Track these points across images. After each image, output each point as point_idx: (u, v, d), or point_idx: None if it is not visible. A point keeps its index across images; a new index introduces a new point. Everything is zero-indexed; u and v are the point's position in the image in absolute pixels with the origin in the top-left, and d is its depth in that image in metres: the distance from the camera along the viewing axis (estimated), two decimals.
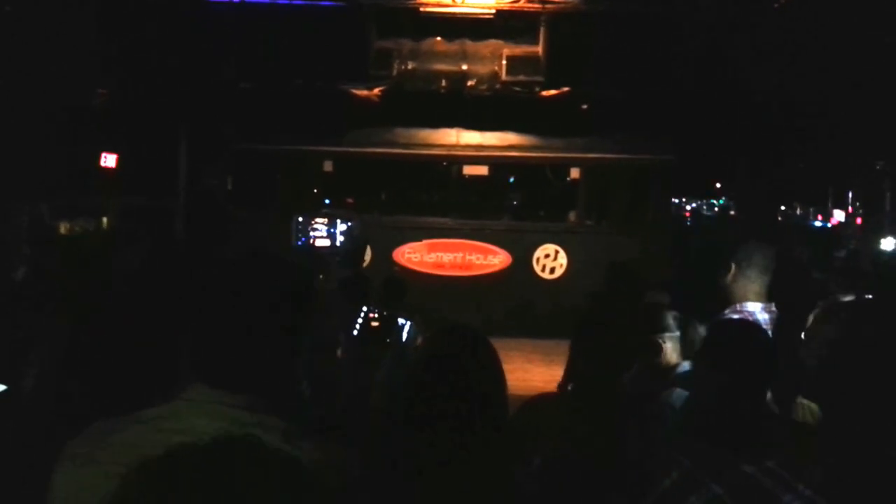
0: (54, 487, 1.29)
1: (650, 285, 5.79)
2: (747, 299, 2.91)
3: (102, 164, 9.37)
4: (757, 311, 2.88)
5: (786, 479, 0.96)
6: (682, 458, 1.06)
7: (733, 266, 2.96)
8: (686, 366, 3.12)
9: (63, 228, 8.47)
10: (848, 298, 3.46)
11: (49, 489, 1.29)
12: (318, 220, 7.68)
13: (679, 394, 2.86)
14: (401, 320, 4.68)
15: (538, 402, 2.61)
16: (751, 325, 2.53)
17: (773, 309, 2.93)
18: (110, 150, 9.39)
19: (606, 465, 2.20)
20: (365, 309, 4.37)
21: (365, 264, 9.50)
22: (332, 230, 7.64)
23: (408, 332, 4.69)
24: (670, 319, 3.33)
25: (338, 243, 7.58)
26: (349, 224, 7.64)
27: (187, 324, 1.40)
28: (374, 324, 4.31)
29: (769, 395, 2.38)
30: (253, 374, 1.33)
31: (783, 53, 9.68)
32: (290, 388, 1.40)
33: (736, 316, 2.88)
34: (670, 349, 3.28)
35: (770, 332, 2.78)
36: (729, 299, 2.97)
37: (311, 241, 7.57)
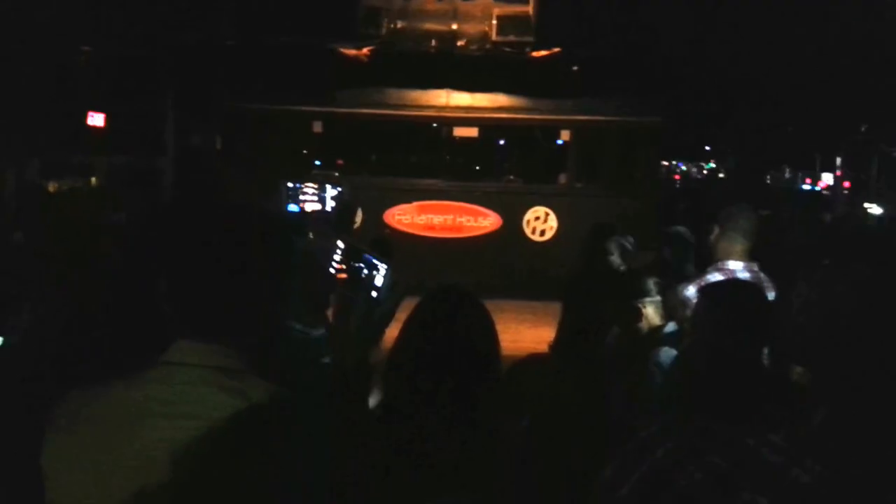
0: (44, 458, 1.31)
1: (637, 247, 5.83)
2: (730, 258, 3.01)
3: (90, 122, 9.27)
4: (738, 269, 2.97)
5: (793, 453, 0.98)
6: (678, 428, 1.08)
7: (717, 227, 3.05)
8: (672, 326, 3.20)
9: (51, 187, 8.42)
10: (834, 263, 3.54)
11: (41, 459, 1.31)
12: (308, 185, 7.68)
13: (667, 352, 2.94)
14: (375, 263, 4.49)
15: (527, 362, 2.68)
16: (744, 284, 2.60)
17: (755, 269, 3.02)
18: (98, 109, 9.29)
19: (593, 424, 2.26)
20: (340, 250, 4.18)
21: (356, 226, 9.54)
22: (322, 195, 7.66)
23: (384, 278, 4.51)
24: (651, 284, 3.40)
25: (328, 208, 7.61)
26: (339, 189, 7.65)
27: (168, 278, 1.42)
28: (342, 276, 4.15)
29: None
30: (231, 323, 1.35)
31: (772, 18, 9.64)
32: (271, 337, 1.44)
33: (718, 273, 2.97)
34: (652, 313, 3.36)
35: None
36: (713, 257, 3.07)
37: (301, 205, 7.58)
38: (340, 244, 4.09)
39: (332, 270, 4.11)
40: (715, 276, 2.96)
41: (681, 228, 4.60)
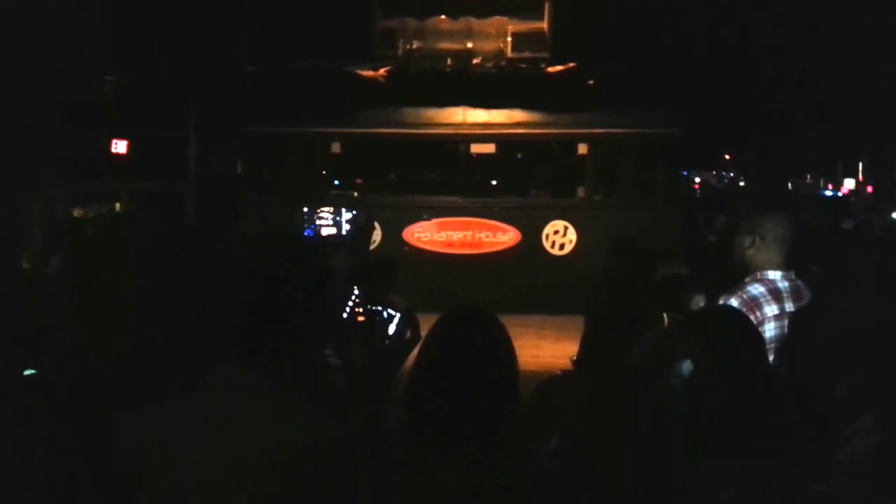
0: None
1: (663, 258, 5.82)
2: (769, 268, 2.96)
3: (113, 150, 9.45)
4: (777, 278, 2.94)
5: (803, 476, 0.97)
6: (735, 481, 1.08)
7: (757, 238, 3.00)
8: None
9: (77, 214, 8.58)
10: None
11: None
12: (323, 209, 7.72)
13: (689, 364, 2.92)
14: (390, 312, 4.41)
15: (554, 382, 2.65)
16: (733, 315, 2.58)
17: (793, 277, 2.98)
18: (120, 137, 9.47)
19: (621, 441, 2.24)
20: (355, 298, 4.14)
21: (374, 246, 9.60)
22: (337, 218, 7.69)
23: (396, 326, 4.45)
24: (700, 302, 3.34)
25: (344, 231, 7.64)
26: (354, 212, 7.68)
27: (217, 305, 1.47)
28: (360, 318, 4.13)
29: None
30: (289, 350, 1.41)
31: (792, 25, 9.62)
32: (321, 364, 1.49)
33: (758, 284, 2.93)
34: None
35: (791, 300, 2.86)
36: (749, 268, 3.02)
37: (318, 229, 7.61)
38: (356, 291, 4.11)
39: (349, 308, 4.10)
40: (755, 287, 2.92)
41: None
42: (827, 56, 10.07)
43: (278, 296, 1.43)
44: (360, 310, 4.13)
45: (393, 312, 4.42)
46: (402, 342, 4.42)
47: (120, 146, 9.49)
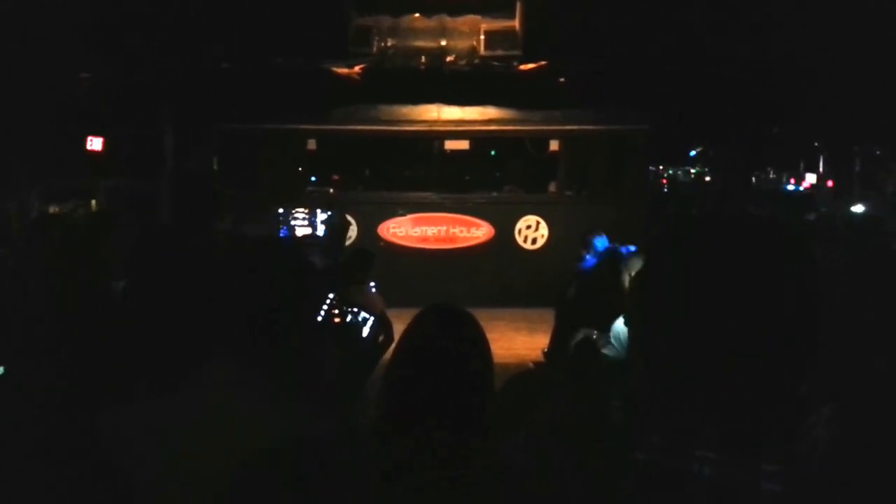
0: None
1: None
2: None
3: (88, 147, 9.45)
4: None
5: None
6: None
7: None
8: None
9: (53, 212, 8.59)
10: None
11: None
12: (298, 209, 7.81)
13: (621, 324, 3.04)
14: (364, 315, 4.50)
15: (523, 376, 2.76)
16: None
17: None
18: (96, 134, 9.47)
19: (592, 432, 2.38)
20: (330, 299, 4.20)
21: (349, 242, 9.74)
22: (312, 220, 7.80)
23: (370, 328, 4.52)
24: None
25: (319, 232, 7.76)
26: (329, 213, 7.79)
27: (203, 306, 1.56)
28: (336, 319, 4.21)
29: None
30: (271, 348, 1.48)
31: (755, 19, 9.87)
32: (313, 365, 1.59)
33: None
34: None
35: None
36: None
37: (293, 230, 7.72)
38: (331, 295, 4.20)
39: (326, 308, 4.19)
40: None
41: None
42: (787, 50, 10.34)
43: (263, 294, 1.49)
44: (336, 311, 4.21)
45: (367, 315, 4.51)
46: (375, 344, 4.51)
47: (95, 143, 9.50)
